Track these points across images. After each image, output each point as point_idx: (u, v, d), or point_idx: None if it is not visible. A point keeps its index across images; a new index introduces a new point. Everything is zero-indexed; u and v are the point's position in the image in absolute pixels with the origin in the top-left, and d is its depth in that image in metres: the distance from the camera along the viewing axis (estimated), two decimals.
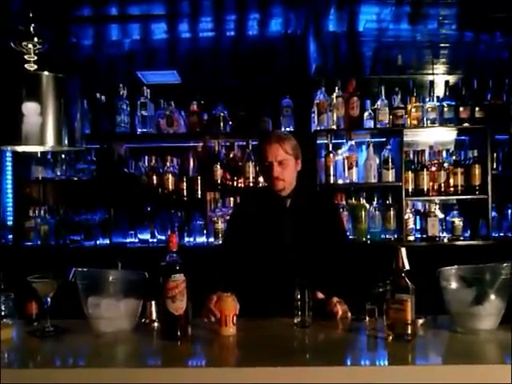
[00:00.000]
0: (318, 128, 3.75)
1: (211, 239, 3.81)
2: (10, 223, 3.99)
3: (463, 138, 4.00)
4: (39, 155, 3.82)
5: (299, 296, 1.89)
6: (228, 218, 2.80)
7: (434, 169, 3.77)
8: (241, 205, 2.64)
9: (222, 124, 3.82)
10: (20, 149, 2.30)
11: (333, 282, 2.15)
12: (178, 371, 1.54)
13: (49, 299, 1.88)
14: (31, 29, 2.14)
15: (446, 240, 3.76)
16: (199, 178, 3.83)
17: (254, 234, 2.28)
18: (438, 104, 3.75)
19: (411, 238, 3.74)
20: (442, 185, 3.75)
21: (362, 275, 2.21)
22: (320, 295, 2.07)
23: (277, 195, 2.32)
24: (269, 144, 2.26)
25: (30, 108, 2.02)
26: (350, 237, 3.75)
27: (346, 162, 3.75)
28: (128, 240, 3.92)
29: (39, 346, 1.81)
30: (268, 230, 2.28)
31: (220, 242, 3.74)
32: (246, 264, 2.22)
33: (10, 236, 3.93)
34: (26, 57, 2.15)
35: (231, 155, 3.89)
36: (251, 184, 3.77)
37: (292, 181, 2.32)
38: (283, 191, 2.30)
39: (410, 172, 3.75)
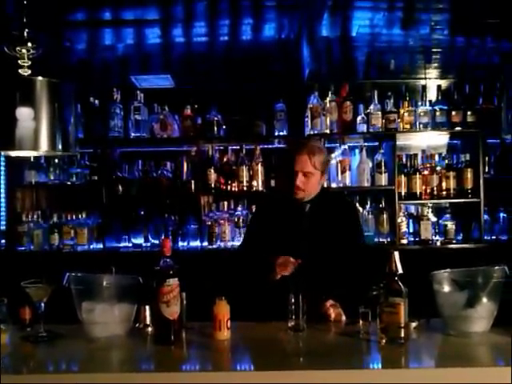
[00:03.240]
0: (312, 132, 3.77)
1: (205, 243, 3.81)
2: (2, 228, 3.96)
3: (455, 141, 4.03)
4: (32, 159, 3.80)
5: (293, 300, 1.90)
6: (249, 221, 2.82)
7: (426, 172, 3.80)
8: (261, 208, 2.64)
9: (215, 128, 3.83)
10: (14, 154, 2.30)
11: (345, 285, 2.16)
12: (172, 376, 1.54)
13: (42, 304, 1.87)
14: (25, 34, 2.14)
15: (438, 243, 3.78)
16: (193, 182, 3.83)
17: (273, 238, 2.29)
18: (431, 108, 3.78)
19: (404, 241, 3.76)
20: (435, 188, 3.78)
21: (373, 277, 2.21)
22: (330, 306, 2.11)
23: (296, 200, 2.32)
24: (299, 153, 2.26)
25: (23, 113, 2.02)
26: None
27: (339, 165, 3.77)
28: (122, 244, 3.91)
29: (33, 351, 1.80)
30: (286, 234, 2.29)
31: (214, 246, 3.76)
32: (263, 267, 2.21)
33: (3, 241, 3.90)
34: (19, 62, 2.14)
35: (225, 159, 3.89)
36: (245, 188, 3.78)
37: (313, 192, 2.33)
38: (303, 199, 2.32)
39: (402, 176, 3.77)
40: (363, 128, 3.75)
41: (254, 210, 3.52)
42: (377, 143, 3.88)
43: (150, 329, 1.98)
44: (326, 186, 3.68)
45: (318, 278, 2.14)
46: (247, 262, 2.32)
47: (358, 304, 1.97)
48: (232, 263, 2.47)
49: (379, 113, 3.73)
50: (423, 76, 3.97)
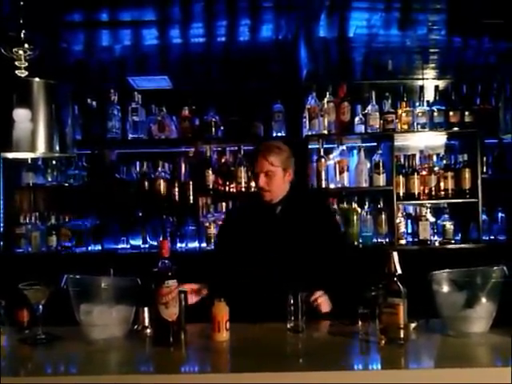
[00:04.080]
0: (310, 133, 3.77)
1: (203, 244, 3.80)
2: (0, 230, 3.95)
3: (453, 142, 4.04)
4: (30, 161, 3.80)
5: (292, 301, 1.89)
6: (220, 223, 2.80)
7: (424, 173, 3.80)
8: (232, 211, 2.66)
9: (213, 129, 3.83)
10: (11, 155, 2.29)
11: (327, 281, 2.16)
12: (171, 377, 1.53)
13: (40, 306, 1.86)
14: (22, 35, 2.14)
15: (437, 243, 3.78)
16: (191, 183, 3.83)
17: (244, 241, 2.30)
18: (428, 109, 3.78)
19: (403, 241, 3.76)
20: (433, 189, 3.78)
21: (359, 277, 2.21)
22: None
23: (267, 202, 2.34)
24: (257, 155, 2.33)
25: (20, 114, 2.02)
26: None
27: (337, 166, 3.77)
28: (120, 246, 3.90)
29: (31, 353, 1.80)
30: (257, 236, 2.29)
31: (212, 247, 3.75)
32: (236, 269, 2.23)
33: (1, 243, 3.89)
34: (16, 63, 2.14)
35: (223, 160, 3.89)
36: (243, 189, 3.78)
37: (280, 191, 2.34)
38: (272, 201, 2.33)
39: (400, 176, 3.77)
40: (361, 129, 3.76)
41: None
42: (375, 144, 3.88)
43: (148, 330, 1.96)
44: (323, 186, 3.73)
45: (290, 281, 2.14)
46: (216, 268, 2.33)
47: (341, 303, 1.98)
48: (206, 266, 2.46)
49: (377, 113, 3.74)
50: (421, 76, 3.97)
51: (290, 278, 2.06)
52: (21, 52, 2.13)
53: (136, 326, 1.99)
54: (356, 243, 3.74)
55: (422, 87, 3.86)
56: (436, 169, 3.81)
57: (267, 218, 2.34)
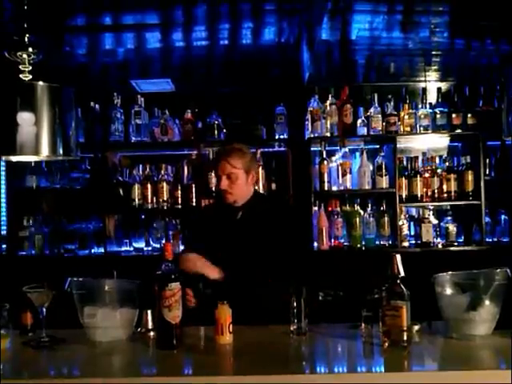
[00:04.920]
0: (312, 135, 3.77)
1: None
2: (3, 233, 3.96)
3: (456, 144, 4.03)
4: (33, 164, 3.81)
5: (295, 303, 1.89)
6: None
7: (427, 175, 3.79)
8: (199, 215, 2.70)
9: (216, 132, 3.83)
10: (15, 159, 2.30)
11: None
12: (174, 380, 1.53)
13: (44, 309, 1.87)
14: (26, 39, 2.15)
15: (440, 246, 3.78)
16: (194, 185, 3.83)
17: (205, 243, 2.30)
18: (431, 111, 3.78)
19: (406, 243, 3.76)
20: (436, 191, 3.77)
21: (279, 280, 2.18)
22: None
23: (229, 207, 2.35)
24: (218, 158, 2.36)
25: (24, 118, 2.02)
26: (345, 243, 3.78)
27: (339, 168, 3.77)
28: (123, 249, 3.91)
29: (34, 356, 1.80)
30: (217, 240, 2.29)
31: None
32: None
33: (4, 245, 3.90)
34: (20, 67, 2.15)
35: None
36: None
37: (243, 194, 2.35)
38: (234, 203, 2.34)
39: (403, 178, 3.77)
40: (364, 131, 3.76)
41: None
42: (377, 146, 3.88)
43: (152, 333, 1.97)
44: (326, 189, 3.73)
45: (245, 285, 2.15)
46: None
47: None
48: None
49: (379, 116, 3.74)
50: (423, 79, 3.98)
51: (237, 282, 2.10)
52: (25, 56, 2.14)
53: (139, 329, 1.99)
54: (359, 245, 3.74)
55: (424, 89, 3.86)
56: (439, 171, 3.81)
57: (228, 222, 2.35)
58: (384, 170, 3.74)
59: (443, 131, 3.78)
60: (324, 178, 3.74)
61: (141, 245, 3.86)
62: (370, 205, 3.78)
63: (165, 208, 3.82)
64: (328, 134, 3.77)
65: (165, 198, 3.81)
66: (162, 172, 3.83)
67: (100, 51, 3.65)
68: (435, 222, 3.81)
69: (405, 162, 3.85)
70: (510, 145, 3.78)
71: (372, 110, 3.75)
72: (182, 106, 3.87)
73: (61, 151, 2.13)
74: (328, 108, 3.77)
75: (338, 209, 3.81)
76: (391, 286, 1.75)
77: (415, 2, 3.02)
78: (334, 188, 3.79)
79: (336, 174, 3.78)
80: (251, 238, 2.28)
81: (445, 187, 3.77)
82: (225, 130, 3.87)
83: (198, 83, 4.03)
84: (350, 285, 3.41)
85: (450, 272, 1.91)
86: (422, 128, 3.77)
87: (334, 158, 3.87)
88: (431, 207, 3.83)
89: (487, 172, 3.80)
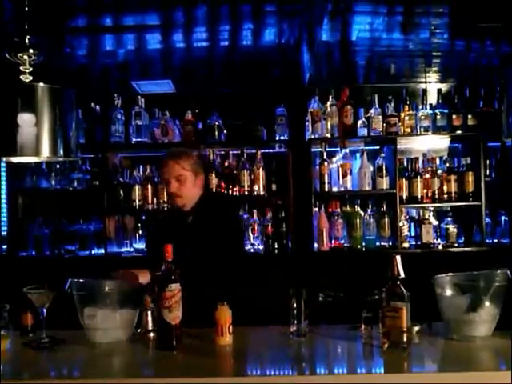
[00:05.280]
0: (313, 136, 3.77)
1: None
2: (4, 233, 3.96)
3: (456, 145, 4.03)
4: (34, 165, 3.81)
5: (295, 305, 1.89)
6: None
7: (427, 176, 3.80)
8: (155, 222, 2.73)
9: (216, 133, 3.83)
10: (15, 159, 2.30)
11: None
12: (175, 381, 1.53)
13: (44, 310, 1.87)
14: (26, 40, 2.15)
15: (440, 247, 3.78)
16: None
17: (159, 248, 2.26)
18: (431, 112, 3.78)
19: (406, 244, 3.75)
20: (436, 192, 3.78)
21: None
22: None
23: (179, 212, 2.35)
24: (165, 162, 2.34)
25: (25, 119, 2.03)
26: (345, 244, 3.78)
27: (340, 169, 3.78)
28: (123, 249, 3.91)
29: (34, 357, 1.80)
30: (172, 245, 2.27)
31: None
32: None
33: (5, 246, 3.91)
34: (21, 68, 2.15)
35: (226, 164, 3.90)
36: (246, 192, 3.78)
37: (192, 196, 2.36)
38: (184, 207, 2.35)
39: (403, 179, 3.77)
40: (364, 132, 3.76)
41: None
42: (378, 147, 3.88)
43: (151, 334, 1.97)
44: (326, 190, 3.73)
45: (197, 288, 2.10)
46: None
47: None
48: None
49: (380, 117, 3.74)
50: (423, 80, 3.98)
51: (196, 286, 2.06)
52: (25, 57, 2.15)
53: (139, 330, 1.99)
54: (359, 246, 3.74)
55: (424, 90, 3.86)
56: (439, 172, 3.81)
57: (180, 227, 2.35)
58: (384, 171, 3.74)
59: (443, 132, 3.78)
60: (324, 179, 3.74)
61: (141, 246, 3.86)
62: (370, 206, 3.78)
63: (165, 209, 3.82)
64: (328, 135, 3.78)
65: (165, 199, 3.81)
66: None
67: (100, 52, 3.65)
68: (435, 223, 3.81)
69: (405, 163, 3.85)
70: (510, 146, 3.78)
71: (372, 111, 3.76)
72: (183, 107, 3.87)
73: (61, 152, 2.13)
74: (328, 109, 3.77)
75: (339, 210, 3.81)
76: (391, 287, 1.75)
77: (415, 3, 3.02)
78: (335, 189, 3.79)
79: (336, 175, 3.79)
80: (202, 241, 2.27)
81: (445, 188, 3.78)
82: (225, 131, 3.87)
83: (199, 84, 4.04)
84: (350, 286, 3.42)
85: (450, 273, 1.91)
86: (422, 129, 3.77)
87: (334, 159, 3.87)
88: (431, 208, 3.82)
89: (487, 173, 3.80)
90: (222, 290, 2.09)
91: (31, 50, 2.15)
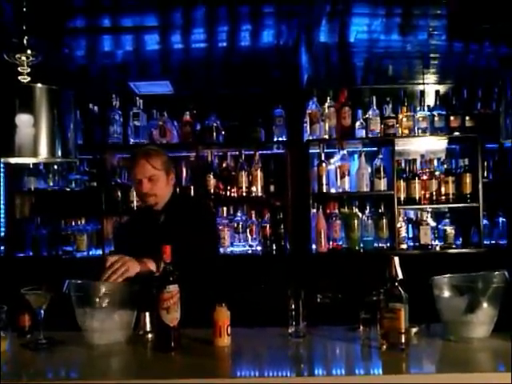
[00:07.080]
0: (311, 138, 3.78)
1: None
2: (2, 234, 3.96)
3: (454, 146, 4.04)
4: (31, 166, 3.81)
5: (293, 306, 1.89)
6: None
7: (425, 177, 3.80)
8: (123, 223, 2.69)
9: (214, 134, 3.84)
10: (13, 160, 2.30)
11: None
12: (173, 383, 1.53)
13: (42, 311, 1.86)
14: (24, 41, 2.15)
15: (438, 248, 3.78)
16: (192, 187, 3.83)
17: (132, 251, 2.19)
18: (429, 113, 3.79)
19: (404, 246, 3.76)
20: (434, 193, 3.78)
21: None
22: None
23: (151, 212, 2.34)
24: (136, 161, 2.30)
25: (23, 120, 2.02)
26: (343, 246, 3.78)
27: (338, 171, 3.78)
28: None
29: (32, 358, 1.80)
30: (143, 246, 2.20)
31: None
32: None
33: (2, 247, 3.90)
34: (19, 69, 2.15)
35: (224, 165, 3.90)
36: (244, 193, 3.78)
37: (164, 195, 2.34)
38: (156, 206, 2.33)
39: (401, 181, 3.78)
40: (362, 133, 3.77)
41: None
42: (376, 148, 3.89)
43: (150, 335, 1.97)
44: (324, 191, 3.74)
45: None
46: None
47: None
48: None
49: (378, 118, 3.75)
50: (421, 81, 3.99)
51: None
52: (23, 58, 2.14)
53: (137, 331, 1.99)
54: (357, 248, 3.75)
55: (422, 92, 3.87)
56: (437, 173, 3.82)
57: (151, 227, 2.33)
58: (382, 173, 3.75)
59: (441, 134, 3.79)
60: (322, 180, 3.74)
61: None
62: (368, 207, 3.79)
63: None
64: (326, 137, 3.78)
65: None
66: None
67: (99, 53, 3.65)
68: (433, 224, 3.82)
69: (403, 165, 3.86)
70: (508, 147, 3.79)
71: (370, 112, 3.76)
72: (181, 108, 3.87)
73: (59, 153, 2.13)
74: (326, 110, 3.78)
75: (337, 211, 3.81)
76: (389, 288, 1.75)
77: (413, 4, 3.03)
78: (333, 190, 3.80)
79: (334, 177, 3.79)
80: (175, 240, 2.20)
81: (443, 190, 3.78)
82: (223, 132, 3.88)
83: (197, 85, 4.04)
84: (348, 287, 3.42)
85: (448, 274, 1.91)
86: (420, 130, 3.78)
87: (332, 161, 3.88)
88: (429, 209, 3.83)
89: (485, 174, 3.81)
90: (208, 291, 2.08)
91: (29, 51, 2.14)
